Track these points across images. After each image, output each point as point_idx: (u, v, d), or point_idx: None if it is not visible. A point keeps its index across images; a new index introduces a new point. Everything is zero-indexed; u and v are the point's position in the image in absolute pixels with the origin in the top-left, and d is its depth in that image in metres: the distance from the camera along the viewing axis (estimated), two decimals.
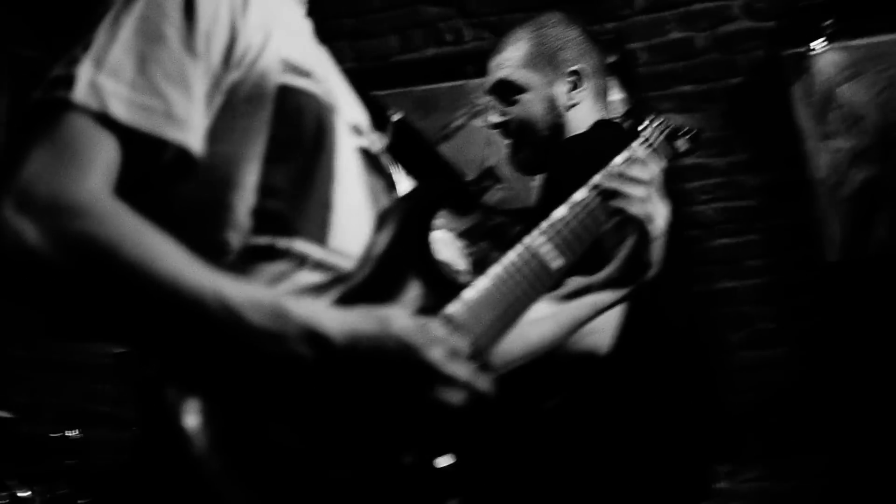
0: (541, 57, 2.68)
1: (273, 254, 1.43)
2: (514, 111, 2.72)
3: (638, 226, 1.82)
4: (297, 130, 1.47)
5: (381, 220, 1.57)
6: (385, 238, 1.53)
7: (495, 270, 1.61)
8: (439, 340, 1.34)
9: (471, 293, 1.55)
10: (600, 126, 2.64)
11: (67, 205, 1.22)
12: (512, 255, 1.65)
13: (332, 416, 1.32)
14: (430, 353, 1.32)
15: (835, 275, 4.35)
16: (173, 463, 1.22)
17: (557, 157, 2.50)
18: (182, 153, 1.38)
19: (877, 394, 4.14)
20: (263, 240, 1.43)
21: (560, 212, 1.74)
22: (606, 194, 1.79)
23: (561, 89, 2.71)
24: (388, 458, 1.37)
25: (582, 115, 2.70)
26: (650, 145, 1.96)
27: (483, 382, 1.38)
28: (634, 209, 1.80)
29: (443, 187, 1.64)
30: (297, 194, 1.46)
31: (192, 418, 1.22)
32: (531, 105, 2.70)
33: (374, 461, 1.36)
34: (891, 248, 4.29)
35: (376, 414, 1.32)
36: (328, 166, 1.51)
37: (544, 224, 1.71)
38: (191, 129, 1.38)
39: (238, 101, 1.43)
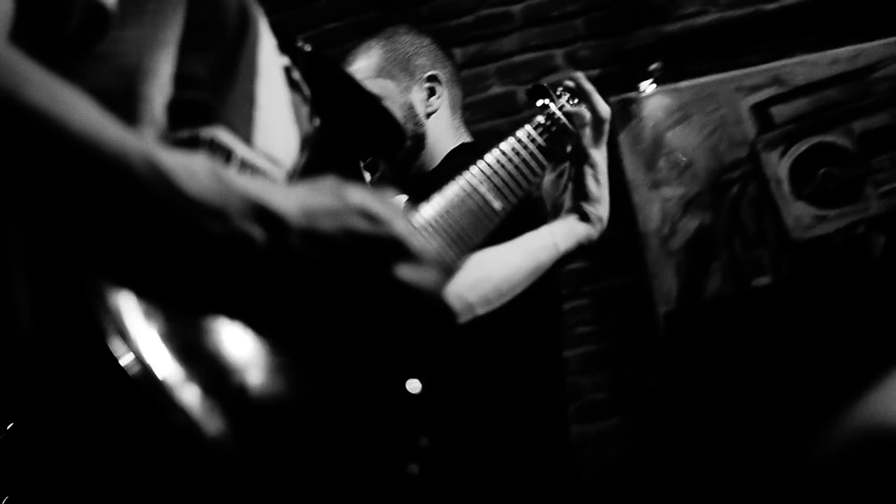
0: (394, 64, 2.65)
1: (196, 146, 1.25)
2: None
3: (582, 164, 1.99)
4: (217, 15, 1.32)
5: (308, 143, 1.47)
6: (311, 160, 1.44)
7: (438, 200, 1.66)
8: (402, 212, 1.22)
9: (417, 217, 1.53)
10: (460, 152, 2.61)
11: None
12: (454, 188, 1.71)
13: (289, 320, 1.16)
14: (395, 224, 1.18)
15: (671, 330, 4.17)
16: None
17: (419, 190, 2.30)
18: (93, 7, 1.17)
19: (727, 457, 3.90)
20: (184, 132, 1.25)
21: (490, 157, 1.85)
22: (550, 135, 1.95)
23: (418, 96, 2.66)
24: (358, 376, 1.24)
25: (442, 126, 2.65)
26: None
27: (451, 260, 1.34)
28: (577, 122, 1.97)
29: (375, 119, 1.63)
30: (219, 85, 1.31)
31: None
32: None
33: (345, 378, 1.23)
34: (725, 296, 4.20)
35: (343, 311, 1.17)
36: (251, 60, 1.36)
37: (478, 166, 1.81)
38: None
39: None
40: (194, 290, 1.09)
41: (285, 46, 1.59)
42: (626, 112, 4.36)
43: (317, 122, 1.56)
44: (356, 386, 1.24)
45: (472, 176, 1.79)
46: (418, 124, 2.62)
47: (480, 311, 1.86)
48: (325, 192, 1.17)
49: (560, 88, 2.08)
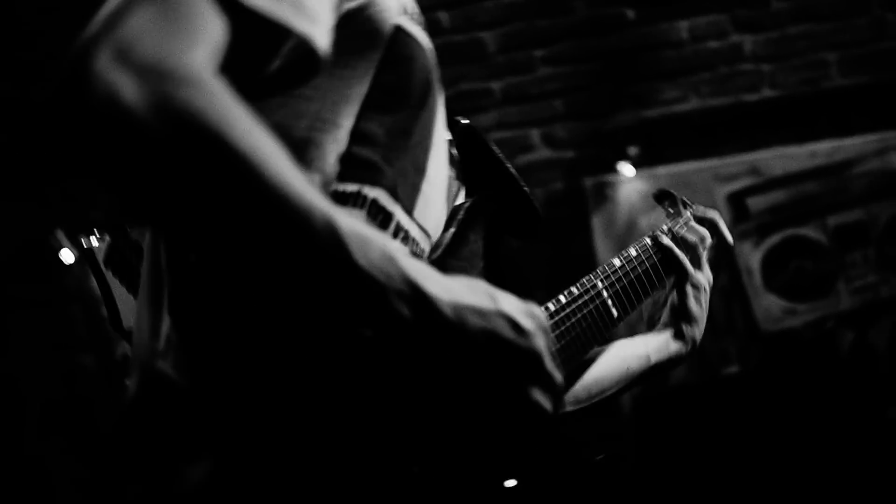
0: None
1: (359, 202, 1.31)
2: None
3: (685, 283, 1.95)
4: (405, 80, 1.36)
5: (455, 217, 1.52)
6: (455, 237, 1.48)
7: (563, 300, 1.66)
8: (546, 331, 1.26)
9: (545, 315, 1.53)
10: None
11: (174, 69, 1.03)
12: (578, 289, 1.71)
13: (414, 398, 1.24)
14: (538, 341, 1.23)
15: (636, 416, 4.15)
16: None
17: None
18: (304, 49, 1.21)
19: None
20: (350, 186, 1.31)
21: (616, 261, 1.85)
22: (663, 251, 1.93)
23: None
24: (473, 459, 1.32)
25: None
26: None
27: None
28: (688, 267, 1.94)
29: (518, 202, 1.65)
30: (393, 148, 1.35)
31: None
32: None
33: (459, 459, 1.31)
34: (689, 385, 4.16)
35: (467, 403, 1.22)
36: (428, 129, 1.41)
37: (606, 268, 1.81)
38: (319, 23, 1.22)
39: (348, 33, 1.29)
40: (335, 343, 1.18)
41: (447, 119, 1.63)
42: (601, 195, 4.36)
43: (464, 197, 1.60)
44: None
45: (599, 278, 1.78)
46: None
47: (569, 408, 1.89)
48: (479, 292, 1.21)
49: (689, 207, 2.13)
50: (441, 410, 1.25)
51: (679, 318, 1.96)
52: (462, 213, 1.52)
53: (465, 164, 1.65)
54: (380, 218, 1.33)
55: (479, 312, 1.19)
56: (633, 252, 1.89)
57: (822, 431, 4.04)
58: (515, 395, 1.22)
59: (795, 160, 4.32)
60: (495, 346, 1.19)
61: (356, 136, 1.32)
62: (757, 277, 4.23)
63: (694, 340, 1.97)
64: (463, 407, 1.23)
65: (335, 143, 1.30)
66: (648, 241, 1.94)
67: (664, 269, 1.94)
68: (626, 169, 4.35)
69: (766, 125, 4.37)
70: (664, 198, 2.13)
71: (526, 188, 1.65)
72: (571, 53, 4.49)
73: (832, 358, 4.16)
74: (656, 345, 1.96)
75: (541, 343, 1.23)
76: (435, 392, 1.21)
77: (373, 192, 1.32)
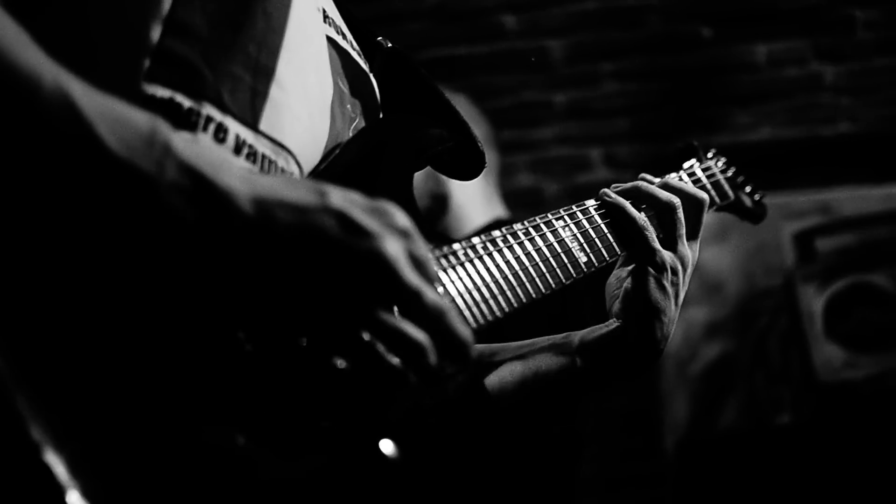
0: None
1: (174, 113, 1.10)
2: None
3: (643, 262, 1.56)
4: None
5: (358, 142, 1.32)
6: (354, 160, 1.27)
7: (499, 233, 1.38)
8: (406, 233, 1.01)
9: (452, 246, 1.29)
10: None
11: None
12: (521, 225, 1.42)
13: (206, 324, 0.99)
14: (385, 243, 0.98)
15: (680, 460, 4.06)
16: None
17: None
18: None
19: None
20: (161, 91, 1.10)
21: (575, 208, 1.53)
22: (611, 213, 1.56)
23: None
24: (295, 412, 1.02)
25: (470, 191, 2.63)
26: (705, 176, 1.79)
27: (451, 324, 1.04)
28: (651, 242, 1.55)
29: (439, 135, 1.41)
30: (217, 45, 1.14)
31: None
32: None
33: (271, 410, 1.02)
34: (737, 432, 4.05)
35: (290, 328, 0.99)
36: (276, 21, 1.20)
37: (559, 212, 1.50)
38: None
39: None
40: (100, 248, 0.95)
41: (360, 38, 1.44)
42: None
43: (373, 120, 1.39)
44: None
45: (556, 216, 1.49)
46: (439, 183, 2.50)
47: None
48: (300, 186, 1.00)
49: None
50: (258, 342, 1.00)
51: (639, 307, 1.55)
52: (365, 134, 1.34)
53: (391, 94, 1.44)
54: (210, 130, 1.13)
55: (296, 208, 0.96)
56: (589, 203, 1.56)
57: (877, 493, 3.92)
58: (357, 318, 0.98)
59: (869, 202, 4.20)
60: (318, 249, 0.96)
61: (170, 25, 1.12)
62: (818, 324, 4.11)
63: (656, 340, 1.55)
64: (283, 337, 1.00)
65: (144, 30, 1.11)
66: (593, 201, 1.58)
67: (616, 237, 1.56)
68: None
69: (840, 162, 4.24)
70: (687, 156, 1.83)
71: (465, 121, 1.43)
72: (641, 70, 4.38)
73: (893, 416, 4.00)
74: (590, 341, 1.59)
75: (391, 247, 0.97)
76: (248, 314, 0.98)
77: (189, 102, 1.11)
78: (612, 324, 1.58)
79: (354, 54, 1.41)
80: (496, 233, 1.37)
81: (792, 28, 4.35)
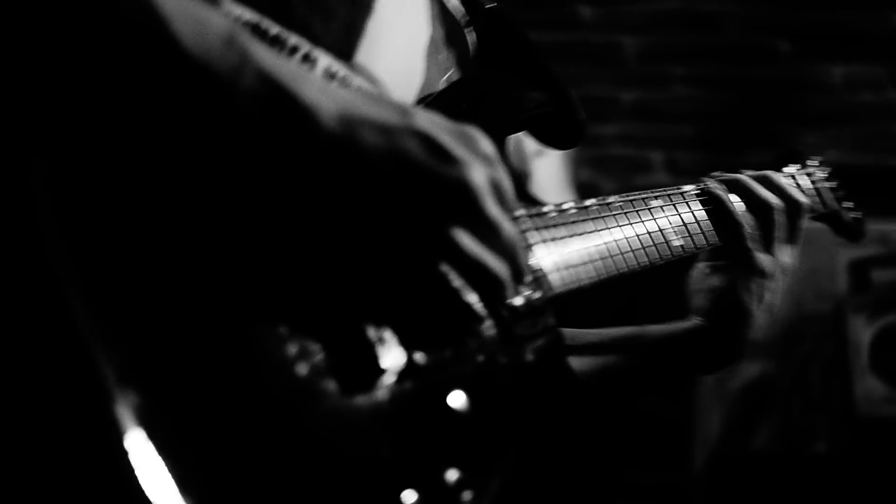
0: None
1: (258, 38, 0.97)
2: None
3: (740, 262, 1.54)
4: None
5: (451, 94, 1.27)
6: (447, 111, 1.14)
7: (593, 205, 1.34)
8: (487, 159, 0.97)
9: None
10: None
11: None
12: (616, 198, 1.38)
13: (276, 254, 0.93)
14: (471, 171, 0.94)
15: (708, 475, 4.03)
16: None
17: None
18: None
19: None
20: (249, 14, 1.02)
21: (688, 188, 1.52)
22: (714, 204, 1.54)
23: (529, 147, 2.64)
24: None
25: (547, 176, 2.70)
26: (808, 182, 1.77)
27: (524, 263, 1.02)
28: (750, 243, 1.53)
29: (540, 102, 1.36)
30: None
31: None
32: None
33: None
34: (769, 455, 4.00)
35: (365, 259, 0.93)
36: None
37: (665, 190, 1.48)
38: None
39: None
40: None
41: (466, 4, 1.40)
42: None
43: (469, 71, 1.35)
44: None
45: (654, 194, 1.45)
46: (523, 161, 2.43)
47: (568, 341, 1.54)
48: (383, 103, 0.95)
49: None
50: (328, 274, 0.95)
51: (721, 307, 1.52)
52: (460, 86, 1.30)
53: (489, 53, 1.40)
54: (296, 59, 1.06)
55: (381, 128, 0.91)
56: (687, 188, 1.53)
57: None
58: (434, 247, 0.94)
59: None
60: (401, 172, 0.91)
61: None
62: (864, 356, 4.06)
63: (737, 344, 1.52)
64: (359, 267, 0.94)
65: None
66: (693, 186, 1.55)
67: (715, 226, 1.52)
68: None
69: None
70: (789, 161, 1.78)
71: (567, 87, 1.38)
72: (713, 77, 4.34)
73: None
74: (664, 329, 1.55)
75: (476, 175, 0.93)
76: (318, 245, 0.92)
77: (276, 28, 1.05)
78: (693, 321, 1.54)
79: (452, 5, 1.38)
80: (590, 201, 1.34)
81: (872, 52, 4.31)
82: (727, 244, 1.53)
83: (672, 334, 1.55)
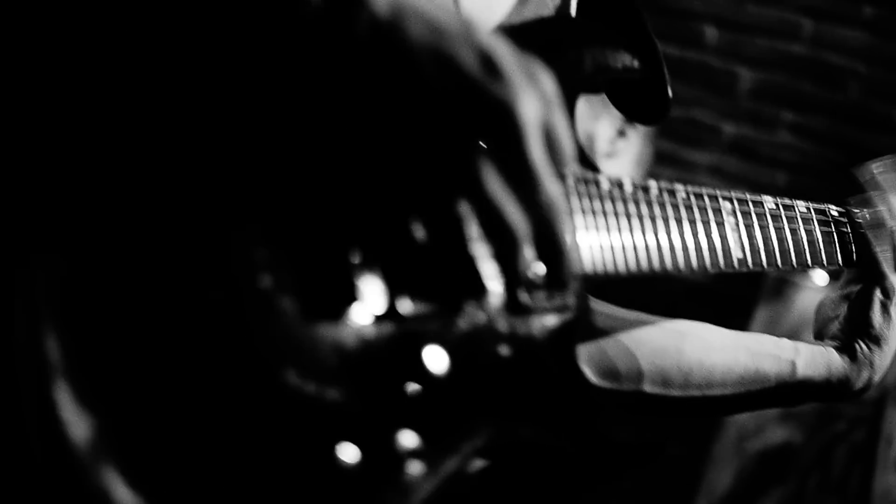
0: None
1: None
2: None
3: (873, 285, 1.53)
4: None
5: (533, 30, 1.21)
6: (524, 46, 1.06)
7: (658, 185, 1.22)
8: (545, 97, 0.86)
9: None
10: None
11: None
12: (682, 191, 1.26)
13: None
14: (522, 100, 0.83)
15: None
16: None
17: None
18: None
19: None
20: None
21: (767, 201, 1.45)
22: (853, 230, 1.56)
23: (605, 131, 2.58)
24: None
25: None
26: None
27: (560, 230, 0.89)
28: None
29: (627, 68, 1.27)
30: None
31: None
32: None
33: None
34: None
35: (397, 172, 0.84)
36: None
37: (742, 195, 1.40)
38: None
39: None
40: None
41: None
42: (778, 290, 4.09)
43: (561, 11, 1.27)
44: None
45: (725, 195, 1.36)
46: (595, 132, 2.44)
47: (648, 388, 1.41)
48: (445, 10, 0.85)
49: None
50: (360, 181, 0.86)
51: (855, 332, 1.50)
52: (545, 25, 1.22)
53: (588, 2, 1.31)
54: None
55: (433, 26, 0.82)
56: (801, 206, 1.50)
57: None
58: (459, 178, 0.83)
59: None
60: (444, 79, 0.82)
61: None
62: (894, 450, 3.95)
63: (871, 365, 1.50)
64: (362, 176, 0.85)
65: None
66: (834, 208, 1.55)
67: (842, 252, 1.52)
68: (817, 275, 4.07)
69: None
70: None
71: (662, 59, 1.29)
72: (821, 132, 4.25)
73: None
74: (810, 354, 1.49)
75: (527, 107, 0.83)
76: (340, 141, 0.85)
77: None
78: (829, 343, 1.52)
79: None
80: (651, 182, 1.23)
81: None
82: (860, 268, 1.54)
83: (813, 356, 1.50)
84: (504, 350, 1.02)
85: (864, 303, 1.51)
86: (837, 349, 1.51)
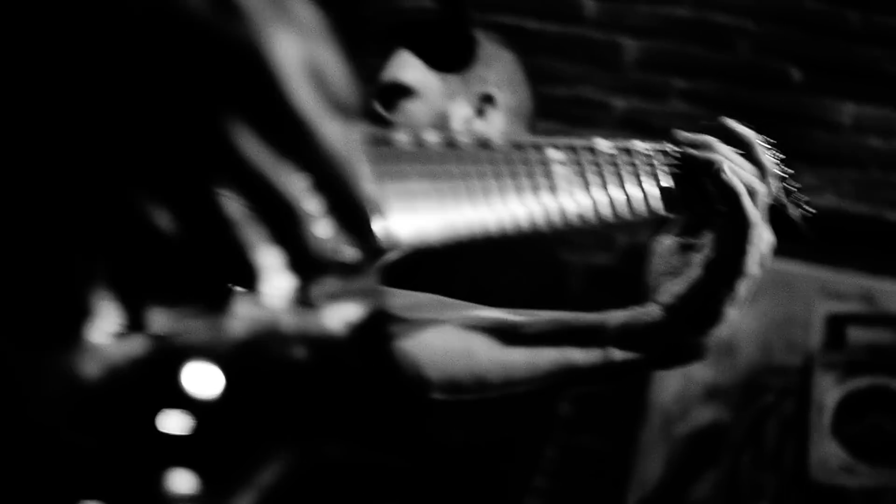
0: None
1: None
2: (395, 119, 2.26)
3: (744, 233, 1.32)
4: None
5: None
6: None
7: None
8: (306, 27, 0.66)
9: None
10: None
11: None
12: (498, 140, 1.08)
13: None
14: (272, 38, 0.64)
15: None
16: None
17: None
18: None
19: None
20: None
21: (602, 143, 1.24)
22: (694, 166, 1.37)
23: (460, 111, 2.30)
24: None
25: None
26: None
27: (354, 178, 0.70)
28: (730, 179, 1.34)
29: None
30: None
31: None
32: (414, 115, 2.25)
33: None
34: None
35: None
36: None
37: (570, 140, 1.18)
38: None
39: None
40: None
41: None
42: None
43: None
44: None
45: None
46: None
47: (438, 396, 1.31)
48: None
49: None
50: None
51: (690, 300, 1.30)
52: None
53: None
54: None
55: None
56: (640, 146, 1.33)
57: None
58: (196, 147, 0.65)
59: None
60: (165, 27, 0.62)
61: None
62: (826, 418, 3.95)
63: (700, 341, 1.33)
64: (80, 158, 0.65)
65: None
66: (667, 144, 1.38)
67: (677, 197, 1.33)
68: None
69: None
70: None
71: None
72: (714, 96, 4.17)
73: None
74: (625, 325, 1.34)
75: (280, 45, 0.64)
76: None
77: None
78: (655, 311, 1.33)
79: None
80: (464, 137, 1.06)
81: (888, 96, 4.14)
82: (702, 217, 1.35)
83: (634, 327, 1.33)
84: (293, 354, 0.82)
85: (736, 247, 1.31)
86: (661, 315, 1.33)
